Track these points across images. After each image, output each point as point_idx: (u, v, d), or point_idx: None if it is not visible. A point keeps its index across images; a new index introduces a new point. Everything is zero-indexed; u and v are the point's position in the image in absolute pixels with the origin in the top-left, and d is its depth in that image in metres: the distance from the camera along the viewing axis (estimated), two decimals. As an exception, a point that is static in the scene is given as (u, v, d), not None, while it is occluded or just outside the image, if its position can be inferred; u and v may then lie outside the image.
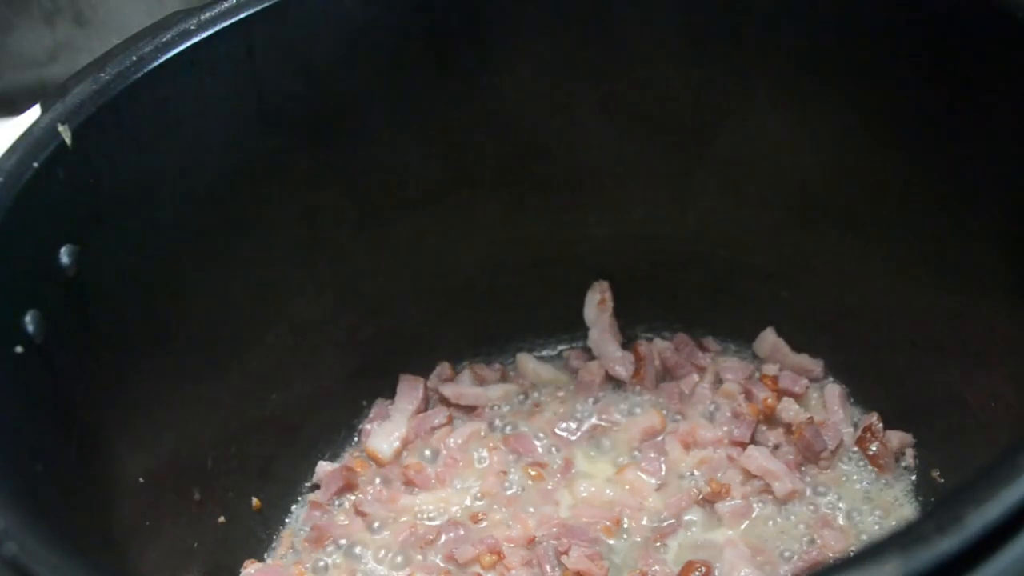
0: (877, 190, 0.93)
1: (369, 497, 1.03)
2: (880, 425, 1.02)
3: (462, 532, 0.99)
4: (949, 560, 0.44)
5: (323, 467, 1.06)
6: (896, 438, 1.01)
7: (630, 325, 1.15)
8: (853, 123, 0.90)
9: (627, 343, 1.14)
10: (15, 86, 1.49)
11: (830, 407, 1.05)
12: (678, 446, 1.04)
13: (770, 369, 1.09)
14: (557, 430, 1.08)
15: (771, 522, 0.99)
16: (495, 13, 0.91)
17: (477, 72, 0.94)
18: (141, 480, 0.84)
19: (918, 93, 0.84)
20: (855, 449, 1.02)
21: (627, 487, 1.03)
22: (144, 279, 0.84)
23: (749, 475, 1.00)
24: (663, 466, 1.03)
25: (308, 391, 1.05)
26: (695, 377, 1.10)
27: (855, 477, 1.01)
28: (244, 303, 0.95)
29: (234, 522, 0.99)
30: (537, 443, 1.08)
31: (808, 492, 1.00)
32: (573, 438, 1.08)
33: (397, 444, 1.08)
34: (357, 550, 1.00)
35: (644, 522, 1.00)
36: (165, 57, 0.80)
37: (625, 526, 1.00)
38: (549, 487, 1.04)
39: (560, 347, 1.17)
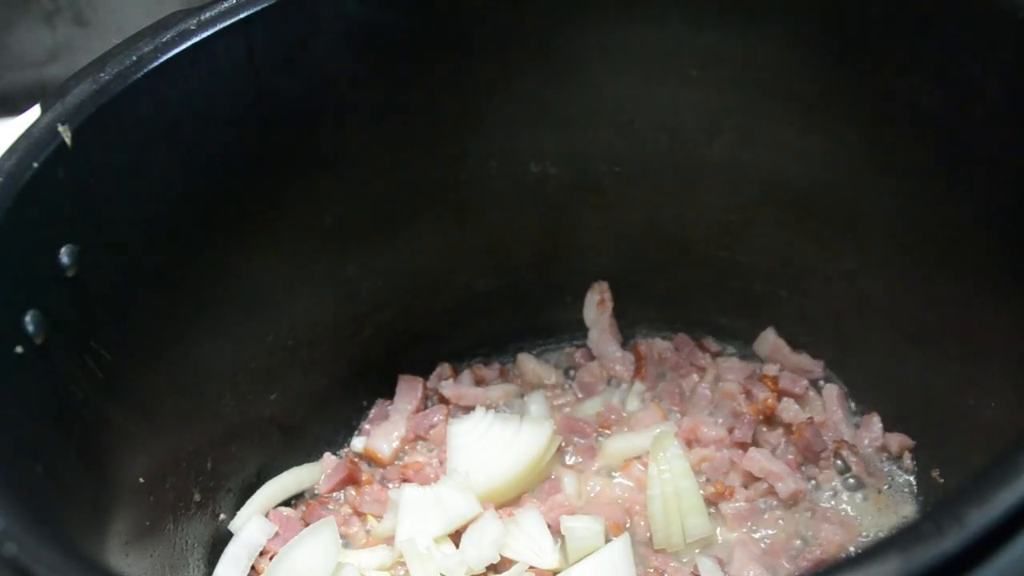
0: (876, 190, 0.92)
1: (367, 498, 1.03)
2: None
3: (462, 532, 0.99)
4: (949, 560, 0.44)
5: (328, 458, 1.06)
6: (896, 441, 1.01)
7: (630, 325, 1.15)
8: (852, 124, 0.90)
9: (627, 343, 1.14)
10: (15, 86, 1.50)
11: (830, 407, 1.05)
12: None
13: (770, 369, 1.09)
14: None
15: (773, 522, 0.99)
16: (493, 20, 0.91)
17: (477, 75, 0.94)
18: (141, 480, 0.84)
19: (917, 94, 0.84)
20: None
21: (630, 485, 1.03)
22: (144, 279, 0.84)
23: (752, 478, 1.00)
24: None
25: (308, 391, 1.05)
26: (695, 377, 1.10)
27: (855, 477, 1.01)
28: (244, 303, 0.95)
29: (234, 522, 0.99)
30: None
31: (809, 492, 1.00)
32: (576, 439, 1.08)
33: (396, 444, 1.08)
34: (355, 549, 1.00)
35: (647, 521, 0.99)
36: (165, 57, 0.80)
37: (629, 524, 1.00)
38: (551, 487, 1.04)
39: (560, 347, 1.17)
